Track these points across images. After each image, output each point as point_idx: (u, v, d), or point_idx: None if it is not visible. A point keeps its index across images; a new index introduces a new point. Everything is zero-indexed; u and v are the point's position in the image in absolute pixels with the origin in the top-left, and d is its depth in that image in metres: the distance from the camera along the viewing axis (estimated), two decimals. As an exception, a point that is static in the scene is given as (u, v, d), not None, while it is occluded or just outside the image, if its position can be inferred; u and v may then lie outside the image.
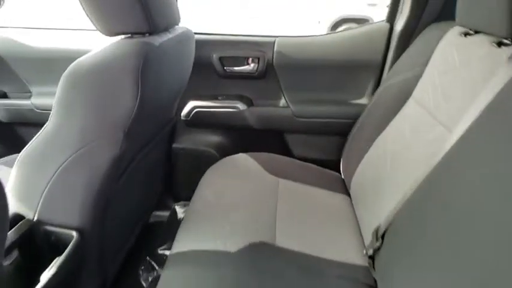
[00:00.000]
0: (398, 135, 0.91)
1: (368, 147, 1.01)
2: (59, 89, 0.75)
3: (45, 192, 0.79)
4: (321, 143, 1.35)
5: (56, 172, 0.78)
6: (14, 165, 0.80)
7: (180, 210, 1.46)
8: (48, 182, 0.79)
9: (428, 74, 0.90)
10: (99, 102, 0.74)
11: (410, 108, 0.92)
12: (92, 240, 0.84)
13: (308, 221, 0.95)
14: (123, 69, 0.74)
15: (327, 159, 1.33)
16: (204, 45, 1.30)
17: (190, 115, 1.36)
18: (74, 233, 0.80)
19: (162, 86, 0.92)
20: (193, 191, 1.10)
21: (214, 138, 1.41)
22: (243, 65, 1.31)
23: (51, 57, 1.43)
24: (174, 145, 1.39)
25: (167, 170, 1.39)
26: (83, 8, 0.80)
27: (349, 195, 1.09)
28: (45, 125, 0.77)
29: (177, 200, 1.48)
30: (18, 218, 0.82)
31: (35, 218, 0.79)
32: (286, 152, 1.39)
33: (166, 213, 1.47)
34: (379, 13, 5.17)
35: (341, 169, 1.20)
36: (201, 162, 1.39)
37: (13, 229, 0.78)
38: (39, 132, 0.78)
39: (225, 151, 1.39)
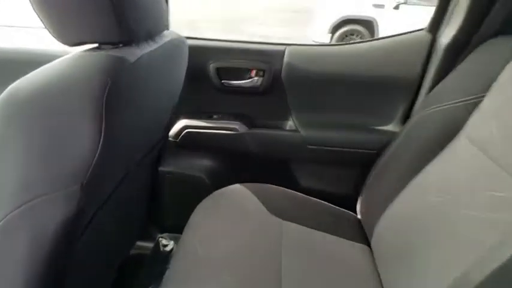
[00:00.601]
0: (446, 185, 0.70)
1: (398, 190, 0.81)
2: None
3: None
4: (335, 175, 1.14)
5: None
6: None
7: (164, 243, 1.25)
8: None
9: (491, 105, 0.69)
10: (43, 144, 0.52)
11: (462, 148, 0.72)
12: None
13: (320, 281, 0.75)
14: (80, 96, 0.52)
15: (341, 194, 1.12)
16: (199, 53, 1.08)
17: (180, 136, 1.14)
18: None
19: (142, 111, 0.70)
20: (180, 220, 0.91)
21: (207, 162, 1.20)
22: (245, 78, 1.10)
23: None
24: (161, 168, 1.17)
25: (152, 197, 1.18)
26: (32, 6, 0.58)
27: (369, 244, 0.89)
28: None
29: (162, 230, 1.27)
30: None
31: None
32: (292, 183, 1.18)
33: (149, 244, 1.26)
34: (386, 16, 4.95)
35: (358, 209, 1.00)
36: (191, 190, 1.18)
37: None
38: None
39: (218, 179, 1.18)
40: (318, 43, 1.12)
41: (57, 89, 0.52)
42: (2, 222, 0.56)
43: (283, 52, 1.08)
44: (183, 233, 0.90)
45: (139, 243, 1.25)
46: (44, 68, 0.55)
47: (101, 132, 0.53)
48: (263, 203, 0.95)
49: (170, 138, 1.14)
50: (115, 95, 0.55)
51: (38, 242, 0.57)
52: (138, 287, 1.11)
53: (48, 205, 0.56)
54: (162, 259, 1.25)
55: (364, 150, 1.08)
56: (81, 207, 0.58)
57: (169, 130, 1.13)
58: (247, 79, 1.10)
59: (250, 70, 1.09)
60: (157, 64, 0.72)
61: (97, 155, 0.53)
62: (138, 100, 0.64)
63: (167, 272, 0.80)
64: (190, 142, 1.15)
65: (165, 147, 1.15)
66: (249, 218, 0.90)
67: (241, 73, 1.10)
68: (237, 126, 1.12)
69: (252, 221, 0.89)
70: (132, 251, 1.23)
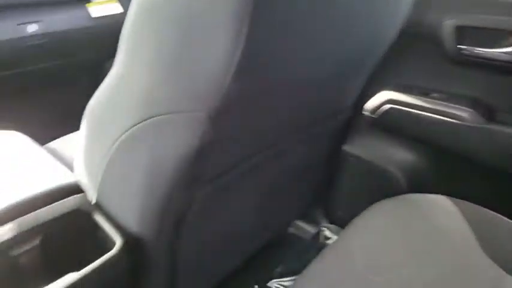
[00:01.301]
0: None
1: None
2: (131, 12, 0.44)
3: (104, 168, 0.54)
4: None
5: (113, 145, 0.50)
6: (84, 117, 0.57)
7: (327, 235, 1.04)
8: (104, 157, 0.52)
9: None
10: (174, 55, 0.41)
11: None
12: (149, 254, 0.55)
13: None
14: None
15: None
16: (429, 1, 0.77)
17: (379, 112, 0.87)
18: (118, 239, 0.52)
19: (309, 41, 0.49)
20: (352, 215, 0.70)
21: (407, 154, 0.89)
22: (501, 45, 0.72)
23: None
24: (345, 147, 0.95)
25: (322, 177, 0.98)
26: None
27: None
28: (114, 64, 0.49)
29: (329, 219, 1.07)
30: (75, 190, 0.60)
31: (93, 199, 0.56)
32: None
33: (308, 228, 1.08)
34: None
35: None
36: (376, 184, 0.92)
37: (60, 201, 0.56)
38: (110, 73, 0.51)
39: (417, 180, 0.87)
40: None
41: None
42: (126, 133, 0.48)
43: None
44: (344, 231, 0.68)
45: (298, 222, 1.09)
46: None
47: (240, 46, 0.36)
48: (476, 235, 0.61)
49: (365, 112, 0.89)
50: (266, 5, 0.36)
51: (156, 165, 0.47)
52: (272, 263, 0.96)
53: (170, 127, 0.44)
54: (314, 252, 1.06)
55: None
56: (206, 141, 0.44)
57: (364, 100, 0.88)
58: (504, 47, 0.71)
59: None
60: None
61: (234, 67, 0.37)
62: (306, 23, 0.43)
63: (311, 265, 0.60)
64: (392, 123, 0.87)
65: (355, 122, 0.91)
66: (449, 253, 0.59)
67: (497, 38, 0.72)
68: (467, 115, 0.76)
69: (453, 259, 0.58)
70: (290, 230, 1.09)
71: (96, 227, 0.56)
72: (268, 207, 0.82)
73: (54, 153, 0.71)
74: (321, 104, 0.69)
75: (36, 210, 0.54)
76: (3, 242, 0.49)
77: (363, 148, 0.93)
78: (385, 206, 0.72)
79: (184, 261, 0.64)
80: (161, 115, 0.45)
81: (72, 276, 0.48)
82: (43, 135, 0.80)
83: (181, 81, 0.42)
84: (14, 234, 0.50)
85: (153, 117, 0.46)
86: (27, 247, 0.52)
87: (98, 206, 0.58)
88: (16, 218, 0.52)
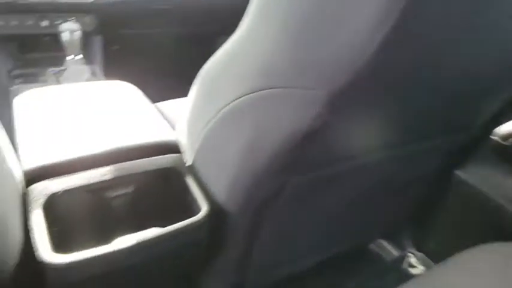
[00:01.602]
0: None
1: None
2: None
3: (203, 134, 0.53)
4: None
5: (218, 112, 0.49)
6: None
7: (413, 263, 0.93)
8: (208, 123, 0.51)
9: None
10: (307, 22, 0.36)
11: None
12: (229, 228, 0.54)
13: None
14: None
15: None
16: None
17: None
18: (205, 206, 0.51)
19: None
20: (446, 247, 0.66)
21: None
22: None
23: None
24: (458, 172, 0.83)
25: (422, 199, 0.87)
26: None
27: None
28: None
29: (417, 245, 0.95)
30: (173, 149, 0.60)
31: (189, 162, 0.55)
32: None
33: (389, 249, 0.98)
34: None
35: None
36: (485, 219, 0.79)
37: (157, 157, 0.57)
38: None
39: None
40: None
41: None
42: (234, 102, 0.46)
43: None
44: (438, 267, 0.59)
45: (382, 241, 0.99)
46: None
47: (392, 19, 0.30)
48: None
49: (494, 137, 0.76)
50: None
51: (256, 142, 0.44)
52: (346, 275, 0.88)
53: (281, 102, 0.41)
54: (394, 273, 0.95)
55: None
56: (317, 125, 0.40)
57: (496, 123, 0.75)
58: None
59: None
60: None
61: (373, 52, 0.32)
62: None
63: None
64: None
65: (477, 145, 0.79)
66: None
67: None
68: None
69: None
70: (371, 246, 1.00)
71: (186, 189, 0.56)
72: (354, 215, 0.75)
73: (160, 111, 0.73)
74: (444, 115, 0.60)
75: (134, 159, 0.55)
76: (100, 182, 0.51)
77: (481, 177, 0.80)
78: (495, 249, 0.61)
79: (260, 245, 0.61)
80: (274, 88, 0.42)
81: (155, 231, 0.48)
82: (152, 96, 0.83)
83: (307, 51, 0.38)
84: (111, 177, 0.52)
85: (264, 89, 0.43)
86: (120, 192, 0.54)
87: (192, 169, 0.57)
88: (114, 163, 0.54)
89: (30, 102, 0.65)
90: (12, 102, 1.14)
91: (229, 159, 0.50)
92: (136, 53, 1.53)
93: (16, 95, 1.14)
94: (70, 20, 1.13)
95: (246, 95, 0.44)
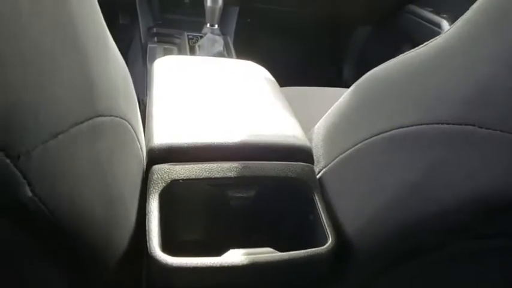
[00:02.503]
0: None
1: None
2: None
3: (349, 151, 0.43)
4: None
5: (378, 133, 0.39)
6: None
7: None
8: (361, 141, 0.41)
9: None
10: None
11: None
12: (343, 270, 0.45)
13: None
14: None
15: None
16: None
17: None
18: (332, 238, 0.43)
19: None
20: None
21: None
22: None
23: None
24: None
25: None
26: None
27: None
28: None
29: None
30: (305, 156, 0.52)
31: (319, 174, 0.47)
32: None
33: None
34: None
35: None
36: None
37: (287, 163, 0.50)
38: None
39: None
40: None
41: None
42: (410, 128, 0.35)
43: None
44: None
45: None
46: None
47: None
48: None
49: None
50: None
51: (408, 189, 0.34)
52: None
53: (486, 147, 0.30)
54: None
55: None
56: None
57: None
58: None
59: None
60: None
61: None
62: None
63: None
64: None
65: None
66: None
67: None
68: None
69: None
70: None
71: (312, 207, 0.47)
72: None
73: (291, 101, 0.65)
74: None
75: (262, 159, 0.48)
76: (224, 178, 0.45)
77: None
78: None
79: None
80: (475, 126, 0.30)
81: (272, 255, 0.41)
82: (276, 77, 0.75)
83: None
84: (236, 175, 0.46)
85: (459, 124, 0.31)
86: (241, 194, 0.47)
87: (321, 184, 0.49)
88: (242, 159, 0.47)
89: (167, 71, 0.62)
90: (147, 59, 1.18)
91: (378, 192, 0.40)
92: (267, 29, 1.48)
93: (153, 53, 1.18)
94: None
95: (429, 124, 0.33)
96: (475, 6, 0.32)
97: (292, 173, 0.48)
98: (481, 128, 0.30)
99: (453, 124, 0.32)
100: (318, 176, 0.50)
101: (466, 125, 0.31)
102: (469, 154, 0.31)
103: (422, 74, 0.36)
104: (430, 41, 0.36)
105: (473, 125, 0.30)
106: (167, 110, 0.52)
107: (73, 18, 0.24)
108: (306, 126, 0.56)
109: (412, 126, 0.35)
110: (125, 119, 0.35)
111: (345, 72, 1.63)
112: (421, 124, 0.34)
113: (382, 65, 0.42)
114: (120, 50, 0.38)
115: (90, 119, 0.26)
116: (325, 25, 1.54)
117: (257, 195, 0.48)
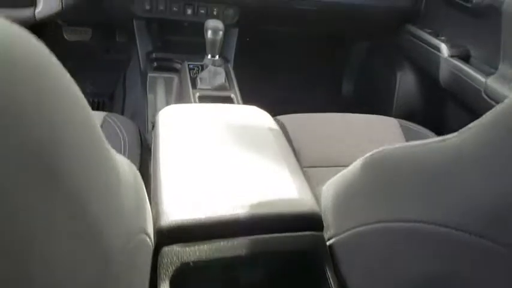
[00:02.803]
0: None
1: None
2: None
3: (357, 230, 0.43)
4: None
5: (392, 221, 0.38)
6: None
7: None
8: (361, 225, 0.41)
9: None
10: None
11: None
12: None
13: None
14: None
15: None
16: None
17: None
18: None
19: None
20: None
21: None
22: None
23: None
24: None
25: None
26: None
27: None
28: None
29: None
30: (315, 223, 0.51)
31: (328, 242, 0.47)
32: None
33: None
34: None
35: None
36: None
37: (296, 233, 0.49)
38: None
39: None
40: None
41: None
42: (420, 224, 0.35)
43: None
44: None
45: None
46: None
47: None
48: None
49: None
50: None
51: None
52: None
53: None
54: None
55: None
56: None
57: None
58: None
59: None
60: None
61: None
62: None
63: None
64: None
65: None
66: None
67: None
68: None
69: None
70: None
71: (324, 279, 0.47)
72: None
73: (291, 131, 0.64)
74: None
75: (272, 231, 0.48)
76: (233, 257, 0.45)
77: None
78: None
79: None
80: (479, 236, 0.30)
81: None
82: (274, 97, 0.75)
83: None
84: (246, 252, 0.45)
85: (464, 231, 0.31)
86: (251, 272, 0.47)
87: (331, 253, 0.48)
88: (250, 233, 0.47)
89: (172, 126, 0.61)
90: (147, 89, 1.16)
91: (398, 280, 0.39)
92: (267, 48, 1.47)
93: (153, 82, 1.17)
94: (214, 10, 1.10)
95: (457, 230, 0.32)
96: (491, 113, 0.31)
97: (302, 245, 0.48)
98: (498, 245, 0.29)
99: (474, 235, 0.31)
100: (328, 243, 0.49)
101: (484, 238, 0.30)
102: (490, 271, 0.30)
103: (442, 170, 0.35)
104: (447, 136, 0.35)
105: (493, 241, 0.30)
106: (174, 176, 0.51)
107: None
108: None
109: (435, 225, 0.34)
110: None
111: (344, 86, 1.63)
112: (446, 227, 0.33)
113: (402, 145, 0.41)
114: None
115: None
116: (324, 42, 1.53)
117: (267, 272, 0.47)
